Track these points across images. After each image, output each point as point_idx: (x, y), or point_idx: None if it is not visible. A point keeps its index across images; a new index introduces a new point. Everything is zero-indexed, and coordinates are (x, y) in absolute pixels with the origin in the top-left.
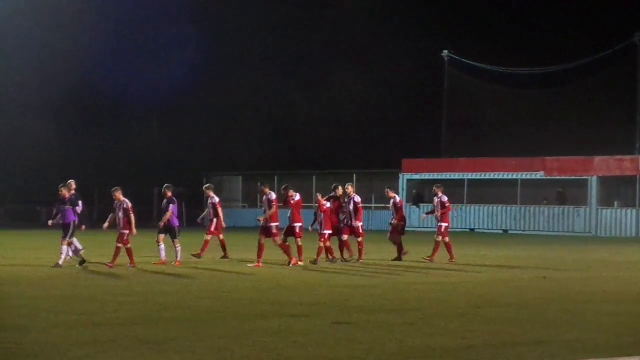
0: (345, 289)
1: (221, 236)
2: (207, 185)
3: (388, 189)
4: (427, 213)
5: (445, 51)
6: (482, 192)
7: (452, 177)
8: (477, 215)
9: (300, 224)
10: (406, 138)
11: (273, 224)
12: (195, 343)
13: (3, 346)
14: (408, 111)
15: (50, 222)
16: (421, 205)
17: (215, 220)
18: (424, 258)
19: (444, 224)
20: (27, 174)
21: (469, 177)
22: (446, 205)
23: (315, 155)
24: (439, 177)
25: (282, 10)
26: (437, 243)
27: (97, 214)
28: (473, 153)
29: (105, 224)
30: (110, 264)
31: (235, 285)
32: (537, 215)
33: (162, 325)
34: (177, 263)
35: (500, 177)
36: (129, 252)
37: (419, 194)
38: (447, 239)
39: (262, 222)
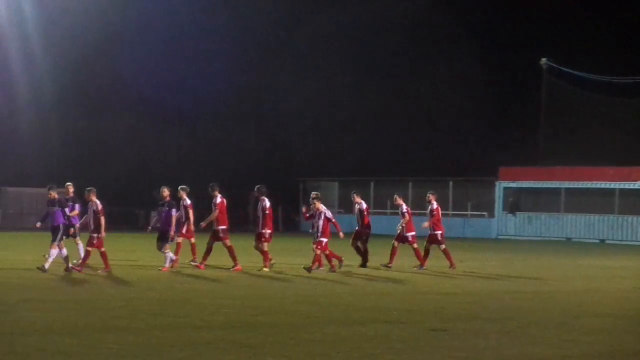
0: (441, 297)
1: (192, 240)
2: (182, 187)
3: (354, 194)
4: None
5: (544, 59)
6: (579, 201)
7: (548, 185)
8: (574, 224)
9: (270, 231)
10: (503, 146)
11: (267, 231)
12: (292, 348)
13: (105, 346)
14: (505, 119)
15: (38, 224)
16: (517, 213)
17: (186, 223)
18: (449, 269)
19: (438, 232)
20: (126, 176)
21: (566, 186)
22: (433, 213)
23: (412, 162)
24: (536, 185)
25: (376, 14)
26: (445, 251)
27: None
28: (570, 162)
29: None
30: (104, 270)
31: (332, 291)
32: (636, 225)
33: (260, 330)
34: (164, 269)
35: (598, 186)
36: (103, 255)
37: (515, 202)
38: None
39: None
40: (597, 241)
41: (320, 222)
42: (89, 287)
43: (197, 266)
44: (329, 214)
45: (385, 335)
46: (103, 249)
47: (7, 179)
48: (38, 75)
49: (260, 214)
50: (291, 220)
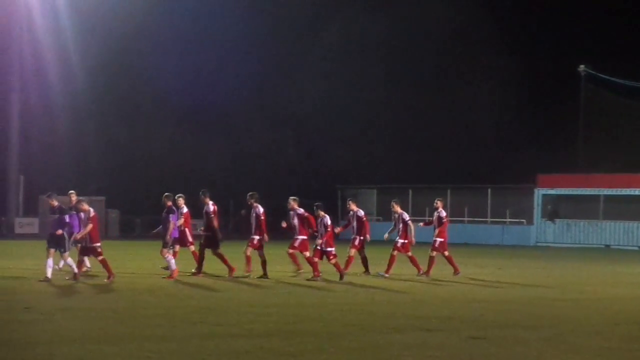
0: (480, 304)
1: (191, 248)
2: (179, 195)
3: (292, 200)
4: (425, 224)
5: (582, 66)
6: (618, 208)
7: (587, 192)
8: (613, 231)
9: (259, 237)
10: (542, 153)
11: (256, 237)
12: (331, 356)
13: (144, 355)
14: (544, 126)
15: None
16: (556, 220)
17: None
18: (418, 274)
19: (439, 239)
20: (164, 184)
21: (605, 192)
22: (444, 221)
23: (450, 170)
24: (575, 192)
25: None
26: (431, 259)
27: (232, 224)
28: (609, 168)
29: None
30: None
31: (371, 299)
32: None
33: (298, 338)
34: (171, 277)
35: (637, 193)
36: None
37: (554, 209)
38: (434, 253)
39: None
40: (636, 248)
41: (296, 222)
42: (128, 296)
43: (194, 273)
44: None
45: (424, 343)
46: (101, 257)
47: (44, 187)
48: (75, 85)
49: (253, 220)
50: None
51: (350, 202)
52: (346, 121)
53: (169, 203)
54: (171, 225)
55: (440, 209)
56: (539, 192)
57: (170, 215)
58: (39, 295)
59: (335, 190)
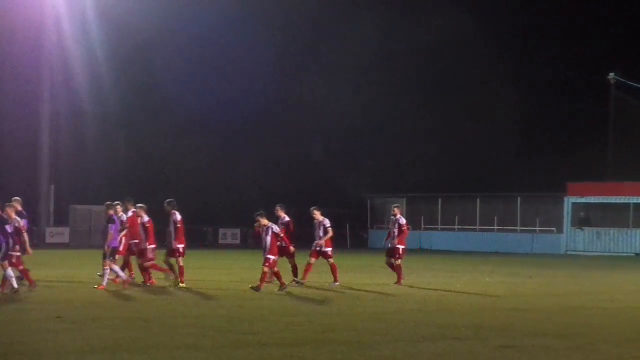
0: (509, 312)
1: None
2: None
3: (257, 217)
4: (387, 238)
5: (612, 74)
6: None
7: (617, 201)
8: None
9: (183, 245)
10: (571, 161)
11: (180, 245)
12: None
13: None
14: (573, 134)
15: None
16: (585, 228)
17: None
18: (394, 283)
19: (401, 247)
20: (193, 193)
21: (635, 201)
22: (404, 228)
23: (480, 178)
24: (604, 200)
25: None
26: (398, 267)
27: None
28: (639, 176)
29: None
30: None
31: (400, 308)
32: None
33: (328, 347)
34: (100, 287)
35: None
36: (24, 273)
37: (586, 217)
38: (399, 262)
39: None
40: None
41: (268, 239)
42: (158, 305)
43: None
44: (275, 229)
45: (454, 351)
46: (21, 267)
47: (75, 197)
48: (104, 95)
49: (171, 228)
50: (359, 237)
51: (314, 210)
52: (376, 130)
53: (110, 212)
54: (109, 236)
55: (399, 215)
56: (569, 201)
57: (110, 225)
58: (70, 304)
59: (364, 199)
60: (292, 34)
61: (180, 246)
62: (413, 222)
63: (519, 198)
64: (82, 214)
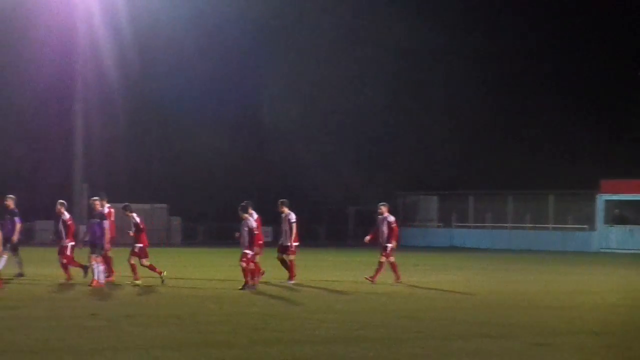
0: (542, 310)
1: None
2: (61, 203)
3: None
4: (372, 236)
5: None
6: None
7: None
8: None
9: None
10: (604, 159)
11: (138, 245)
12: None
13: None
14: (606, 131)
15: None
16: (618, 226)
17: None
18: (365, 277)
19: (390, 245)
20: (224, 191)
21: None
22: (392, 226)
23: (511, 176)
24: (638, 198)
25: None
26: (381, 264)
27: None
28: None
29: None
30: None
31: (432, 305)
32: None
33: (361, 344)
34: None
35: None
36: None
37: (621, 214)
38: (392, 259)
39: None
40: None
41: (245, 234)
42: (191, 303)
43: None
44: (252, 223)
45: (486, 349)
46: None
47: (108, 195)
48: (137, 94)
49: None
50: None
51: (281, 204)
52: (407, 128)
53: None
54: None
55: (386, 213)
56: (602, 198)
57: (99, 221)
58: (105, 301)
59: (396, 197)
60: (321, 36)
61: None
62: (444, 220)
63: (551, 196)
64: (117, 213)
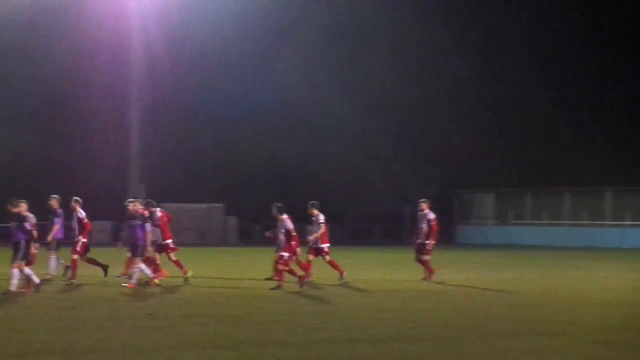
0: (602, 308)
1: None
2: (75, 199)
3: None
4: (417, 235)
5: None
6: None
7: None
8: None
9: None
10: None
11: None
12: None
13: None
14: None
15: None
16: None
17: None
18: (423, 280)
19: (429, 242)
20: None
21: None
22: (432, 223)
23: (568, 172)
24: None
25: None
26: (426, 262)
27: (348, 231)
28: None
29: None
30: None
31: (490, 303)
32: None
33: (418, 343)
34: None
35: None
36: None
37: None
38: (427, 257)
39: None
40: None
41: (282, 235)
42: (248, 302)
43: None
44: (289, 225)
45: (545, 347)
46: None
47: (165, 196)
48: (192, 94)
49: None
50: (446, 233)
51: (311, 206)
52: (463, 123)
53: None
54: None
55: (427, 210)
56: None
57: (140, 223)
58: (162, 301)
59: (451, 195)
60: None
61: (83, 241)
62: (501, 217)
63: (608, 192)
64: (171, 212)
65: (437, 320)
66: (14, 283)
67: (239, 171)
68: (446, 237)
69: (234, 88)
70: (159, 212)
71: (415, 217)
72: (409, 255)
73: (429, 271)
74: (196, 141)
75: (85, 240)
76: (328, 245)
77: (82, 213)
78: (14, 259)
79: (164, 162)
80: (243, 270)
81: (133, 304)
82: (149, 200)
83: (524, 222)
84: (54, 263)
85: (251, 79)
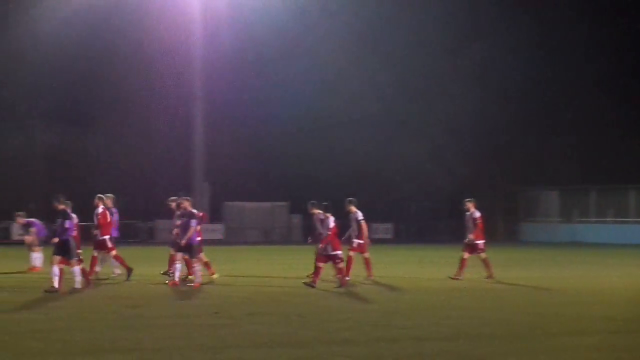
0: None
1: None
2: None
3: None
4: (474, 236)
5: None
6: None
7: None
8: None
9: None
10: None
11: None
12: (518, 359)
13: (331, 359)
14: None
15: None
16: None
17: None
18: (485, 278)
19: (480, 241)
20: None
21: None
22: (477, 222)
23: (633, 170)
24: None
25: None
26: (485, 260)
27: (413, 229)
28: None
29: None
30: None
31: (554, 301)
32: None
33: (484, 341)
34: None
35: None
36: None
37: None
38: (466, 255)
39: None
40: None
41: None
42: (312, 300)
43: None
44: (331, 223)
45: (612, 345)
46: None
47: (229, 194)
48: (255, 93)
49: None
50: (511, 230)
51: (349, 203)
52: (526, 122)
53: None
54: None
55: (472, 209)
56: None
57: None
58: (227, 300)
59: (515, 193)
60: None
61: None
62: (566, 215)
63: None
64: (235, 211)
65: (504, 319)
66: (78, 280)
67: (303, 169)
68: (511, 235)
69: (298, 86)
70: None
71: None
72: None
73: (459, 268)
74: (260, 140)
75: (107, 236)
76: (363, 242)
77: (100, 209)
78: (67, 257)
79: (227, 161)
80: (307, 268)
81: (198, 302)
82: (176, 197)
83: (589, 219)
84: (114, 262)
85: (314, 77)
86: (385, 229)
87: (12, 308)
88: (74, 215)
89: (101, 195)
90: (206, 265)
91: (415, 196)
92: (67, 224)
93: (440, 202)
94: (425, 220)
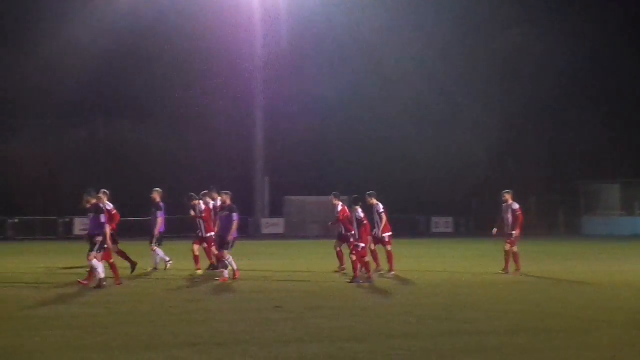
0: None
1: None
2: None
3: (506, 194)
4: (497, 228)
5: None
6: None
7: None
8: None
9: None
10: None
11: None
12: (577, 352)
13: (393, 352)
14: None
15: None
16: None
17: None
18: (501, 272)
19: (514, 232)
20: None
21: None
22: (517, 213)
23: None
24: None
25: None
26: (507, 253)
27: (473, 223)
28: None
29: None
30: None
31: (615, 295)
32: None
33: (544, 334)
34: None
35: None
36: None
37: None
38: (515, 248)
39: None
40: None
41: (355, 226)
42: (375, 294)
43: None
44: (360, 214)
45: None
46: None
47: (289, 188)
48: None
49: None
50: (573, 224)
51: (369, 196)
52: (587, 116)
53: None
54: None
55: (511, 201)
56: None
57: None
58: (288, 294)
59: (576, 186)
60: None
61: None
62: (627, 208)
63: None
64: (296, 205)
65: (564, 312)
66: (100, 272)
67: (364, 163)
68: (572, 228)
69: (359, 81)
70: (202, 205)
71: (540, 207)
72: (535, 246)
73: (515, 262)
74: (321, 134)
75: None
76: (390, 234)
77: (109, 205)
78: (93, 250)
79: (288, 155)
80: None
81: (258, 296)
82: (190, 194)
83: None
84: (160, 254)
85: (377, 71)
86: (446, 223)
87: (74, 303)
88: (110, 206)
89: (105, 190)
90: (195, 259)
91: (476, 191)
92: (102, 218)
93: (499, 197)
94: (485, 215)
